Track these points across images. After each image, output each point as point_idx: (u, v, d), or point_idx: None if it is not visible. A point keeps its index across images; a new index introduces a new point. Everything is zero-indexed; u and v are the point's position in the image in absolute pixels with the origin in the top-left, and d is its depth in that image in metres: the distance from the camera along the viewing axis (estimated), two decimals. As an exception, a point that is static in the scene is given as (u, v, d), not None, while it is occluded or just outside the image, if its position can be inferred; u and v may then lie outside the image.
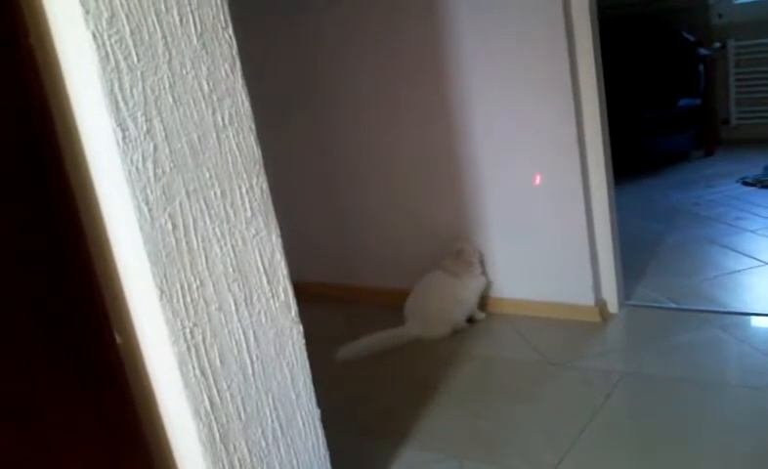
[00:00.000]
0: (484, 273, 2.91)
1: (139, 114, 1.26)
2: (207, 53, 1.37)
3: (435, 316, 2.82)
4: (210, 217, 1.40)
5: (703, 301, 2.70)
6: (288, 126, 3.32)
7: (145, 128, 1.28)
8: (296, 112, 3.30)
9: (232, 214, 1.44)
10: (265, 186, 1.50)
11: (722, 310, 2.60)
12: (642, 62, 4.75)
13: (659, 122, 4.68)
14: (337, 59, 3.08)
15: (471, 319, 2.87)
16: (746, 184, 4.05)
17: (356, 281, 3.36)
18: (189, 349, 1.37)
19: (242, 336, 1.48)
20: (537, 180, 2.71)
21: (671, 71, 4.77)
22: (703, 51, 4.71)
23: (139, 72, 1.26)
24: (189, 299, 1.37)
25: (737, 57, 4.82)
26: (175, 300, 1.34)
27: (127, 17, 1.24)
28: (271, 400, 1.54)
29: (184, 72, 1.34)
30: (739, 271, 2.93)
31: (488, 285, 2.93)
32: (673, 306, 2.71)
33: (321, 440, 1.69)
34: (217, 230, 1.41)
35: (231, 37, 1.42)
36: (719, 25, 4.86)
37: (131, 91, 1.25)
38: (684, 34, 4.77)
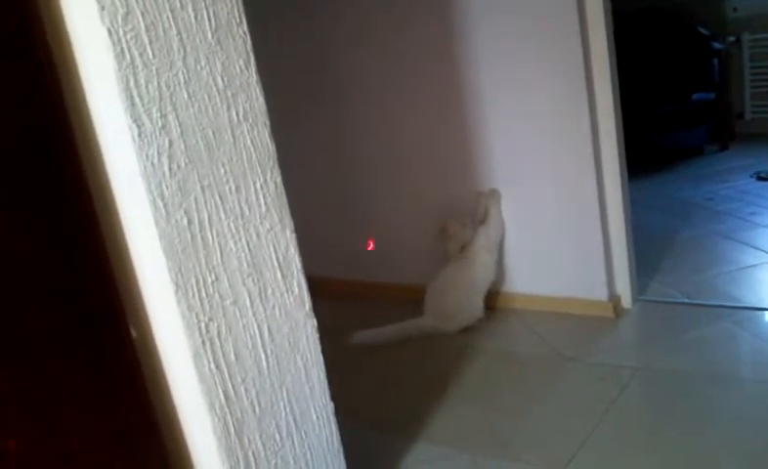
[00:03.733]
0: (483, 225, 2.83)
1: (154, 110, 1.27)
2: (222, 49, 1.38)
3: (453, 309, 2.81)
4: (225, 212, 1.41)
5: (716, 296, 2.69)
6: (301, 122, 3.33)
7: (160, 124, 1.28)
8: (309, 109, 3.30)
9: (246, 209, 1.45)
10: (279, 181, 1.51)
11: (736, 305, 2.59)
12: (656, 56, 4.72)
13: (673, 117, 4.65)
14: (350, 56, 3.08)
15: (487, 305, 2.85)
16: (760, 178, 4.02)
17: (368, 277, 3.36)
18: (204, 343, 1.38)
19: (257, 330, 1.48)
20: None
21: (685, 66, 4.73)
22: (717, 45, 4.67)
23: (154, 68, 1.27)
24: (204, 293, 1.37)
25: (751, 50, 4.79)
26: (190, 295, 1.35)
27: (142, 13, 1.25)
28: (285, 393, 1.55)
29: (198, 68, 1.34)
30: (753, 266, 2.92)
31: (496, 261, 2.87)
32: (687, 301, 2.70)
33: (335, 433, 1.70)
34: (232, 225, 1.42)
35: (245, 33, 1.42)
36: (734, 19, 4.82)
37: (146, 87, 1.26)
38: (698, 28, 4.73)
